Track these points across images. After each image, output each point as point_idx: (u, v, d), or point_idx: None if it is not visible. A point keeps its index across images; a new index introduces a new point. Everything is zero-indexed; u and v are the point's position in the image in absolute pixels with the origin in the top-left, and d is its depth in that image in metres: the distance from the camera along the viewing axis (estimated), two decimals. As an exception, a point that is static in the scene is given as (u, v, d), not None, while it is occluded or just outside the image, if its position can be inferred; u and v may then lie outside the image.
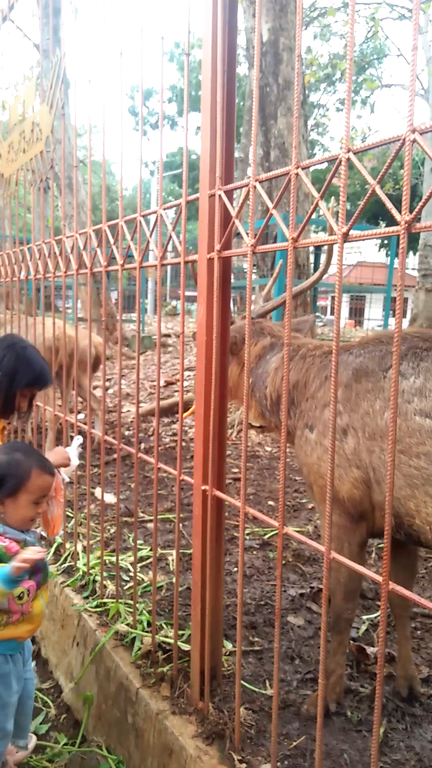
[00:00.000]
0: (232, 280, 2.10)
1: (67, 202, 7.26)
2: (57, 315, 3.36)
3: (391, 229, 1.15)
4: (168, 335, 13.33)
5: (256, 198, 1.55)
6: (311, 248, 7.75)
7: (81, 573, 2.84)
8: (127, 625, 2.36)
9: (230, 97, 1.75)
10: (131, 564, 2.84)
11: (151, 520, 3.62)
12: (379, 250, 26.67)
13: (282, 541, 1.50)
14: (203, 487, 1.85)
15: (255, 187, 1.53)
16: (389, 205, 1.13)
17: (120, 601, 2.51)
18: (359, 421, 1.85)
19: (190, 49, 1.94)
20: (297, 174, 1.39)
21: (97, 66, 2.38)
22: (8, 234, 3.92)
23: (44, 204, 3.21)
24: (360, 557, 1.96)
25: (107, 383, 8.19)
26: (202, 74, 1.78)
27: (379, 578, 1.19)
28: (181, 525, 3.54)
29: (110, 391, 7.91)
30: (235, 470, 4.81)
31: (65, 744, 2.24)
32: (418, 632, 2.55)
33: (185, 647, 2.11)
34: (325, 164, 1.38)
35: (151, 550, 3.06)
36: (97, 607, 2.54)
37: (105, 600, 2.57)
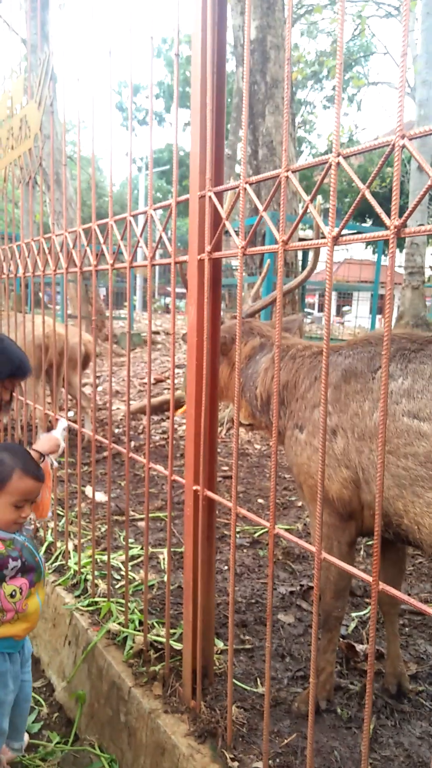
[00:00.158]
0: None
1: (55, 198, 7.22)
2: (46, 312, 3.34)
3: (381, 233, 1.16)
4: (157, 332, 13.32)
5: (245, 197, 1.56)
6: (300, 246, 7.76)
7: (72, 572, 2.84)
8: (119, 624, 2.37)
9: (220, 99, 1.76)
10: (122, 563, 2.85)
11: (142, 519, 3.63)
12: (366, 248, 26.77)
13: (273, 540, 1.51)
14: (195, 488, 1.86)
15: (245, 189, 1.54)
16: (379, 210, 1.14)
17: (111, 600, 2.51)
18: (348, 421, 1.87)
19: (178, 45, 1.93)
20: (287, 177, 1.40)
21: (85, 62, 2.37)
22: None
23: (32, 200, 3.19)
24: (349, 556, 1.98)
25: (97, 381, 8.18)
26: (192, 76, 1.78)
27: (369, 578, 1.20)
28: (172, 523, 3.55)
29: (100, 388, 7.89)
30: (225, 468, 4.83)
31: (58, 743, 2.25)
32: (406, 629, 2.58)
33: (177, 646, 2.12)
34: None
35: (142, 548, 3.06)
36: (88, 606, 2.55)
37: (96, 599, 2.58)
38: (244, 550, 3.33)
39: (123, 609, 2.40)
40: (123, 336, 12.01)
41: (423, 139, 9.65)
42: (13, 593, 1.79)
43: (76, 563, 2.87)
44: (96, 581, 2.65)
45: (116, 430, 5.84)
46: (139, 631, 2.31)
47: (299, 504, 4.10)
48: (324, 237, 1.28)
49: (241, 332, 1.62)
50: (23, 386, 4.01)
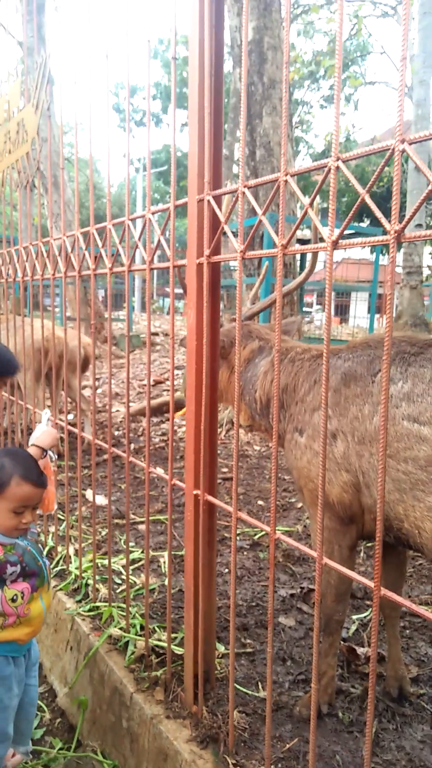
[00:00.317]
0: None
1: (53, 201, 7.22)
2: (46, 316, 3.34)
3: (381, 238, 1.16)
4: (156, 333, 13.31)
5: (244, 200, 1.55)
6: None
7: (73, 576, 2.84)
8: (120, 629, 2.36)
9: (217, 100, 1.75)
10: (123, 567, 2.84)
11: (142, 522, 3.62)
12: (364, 247, 26.81)
13: (274, 544, 1.51)
14: (195, 492, 1.85)
15: (244, 193, 1.54)
16: (379, 214, 1.14)
17: (113, 604, 2.51)
18: (348, 425, 1.86)
19: (175, 47, 1.92)
20: (286, 181, 1.39)
21: (82, 64, 2.37)
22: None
23: (30, 204, 3.18)
24: (350, 560, 1.97)
25: (96, 383, 8.17)
26: (189, 78, 1.78)
27: (371, 583, 1.20)
28: (172, 526, 3.54)
29: (99, 390, 7.89)
30: (225, 470, 4.82)
31: (60, 749, 2.25)
32: (407, 631, 2.58)
33: (178, 651, 2.12)
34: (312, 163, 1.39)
35: (143, 552, 3.06)
36: (90, 611, 2.54)
37: (98, 604, 2.57)
38: (245, 553, 3.32)
39: (124, 614, 2.39)
40: (122, 338, 12.00)
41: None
42: (15, 597, 1.78)
43: (77, 568, 2.86)
44: (97, 586, 2.64)
45: (116, 433, 5.84)
46: (140, 635, 2.30)
47: (299, 506, 4.09)
48: (323, 241, 1.28)
49: (240, 336, 1.61)
50: (23, 390, 4.00)
